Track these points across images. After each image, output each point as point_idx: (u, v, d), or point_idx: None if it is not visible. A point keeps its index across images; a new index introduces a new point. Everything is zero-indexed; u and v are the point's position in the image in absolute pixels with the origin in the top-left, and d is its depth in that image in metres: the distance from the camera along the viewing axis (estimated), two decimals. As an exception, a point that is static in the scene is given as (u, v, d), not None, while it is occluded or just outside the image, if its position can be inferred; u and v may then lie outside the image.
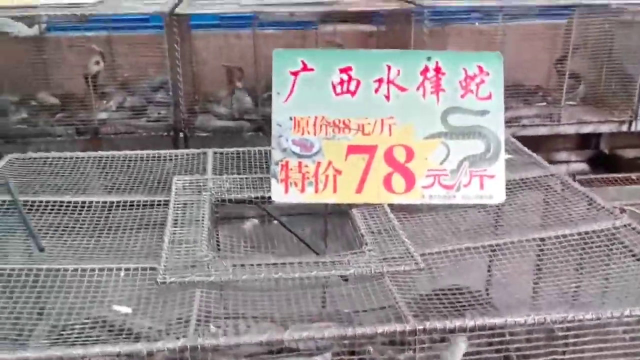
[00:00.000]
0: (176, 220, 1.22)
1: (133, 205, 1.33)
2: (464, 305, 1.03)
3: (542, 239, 1.17)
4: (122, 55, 2.81)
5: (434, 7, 2.42)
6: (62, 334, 0.97)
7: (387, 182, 1.29)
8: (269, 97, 2.70)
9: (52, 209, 1.29)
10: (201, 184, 1.39)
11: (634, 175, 2.78)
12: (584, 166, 3.16)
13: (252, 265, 1.08)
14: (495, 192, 1.29)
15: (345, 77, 1.31)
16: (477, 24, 3.08)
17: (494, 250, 1.17)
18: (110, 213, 1.31)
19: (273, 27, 2.93)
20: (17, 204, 1.23)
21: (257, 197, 1.37)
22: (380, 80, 1.31)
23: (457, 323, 0.90)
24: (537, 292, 1.20)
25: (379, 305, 1.01)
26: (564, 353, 0.95)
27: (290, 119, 1.31)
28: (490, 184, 1.29)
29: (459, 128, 1.31)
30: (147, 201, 1.35)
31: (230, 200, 1.36)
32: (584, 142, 3.16)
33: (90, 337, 0.96)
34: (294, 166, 1.29)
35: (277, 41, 3.03)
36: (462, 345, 0.94)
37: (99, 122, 2.45)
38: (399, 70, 1.31)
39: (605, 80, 2.95)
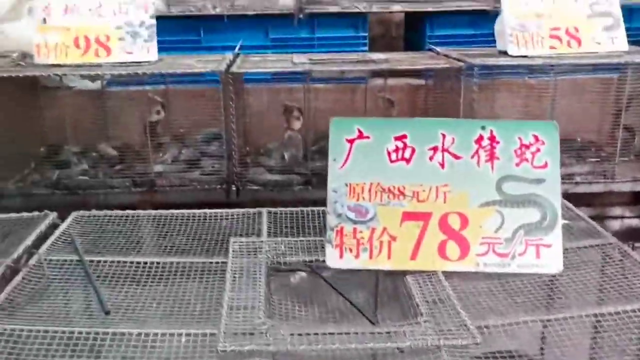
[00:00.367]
0: (234, 284, 1.26)
1: (192, 267, 1.38)
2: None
3: (601, 314, 1.15)
4: (177, 108, 2.92)
5: (484, 65, 2.43)
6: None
7: (442, 250, 1.29)
8: (318, 151, 2.77)
9: (116, 270, 1.34)
10: (257, 246, 1.43)
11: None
12: (638, 222, 3.08)
13: (308, 334, 1.09)
14: (551, 262, 1.27)
15: (400, 144, 1.34)
16: (526, 77, 3.09)
17: (550, 324, 1.15)
18: (170, 274, 1.35)
19: (324, 82, 3.01)
20: (84, 265, 1.28)
21: (311, 261, 1.40)
22: (434, 148, 1.33)
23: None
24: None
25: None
26: None
27: (346, 185, 1.34)
28: (546, 253, 1.28)
29: (514, 196, 1.31)
30: (205, 263, 1.38)
31: (285, 264, 1.39)
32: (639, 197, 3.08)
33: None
34: (349, 232, 1.31)
35: (327, 95, 3.11)
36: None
37: (155, 174, 2.53)
38: (453, 139, 1.33)
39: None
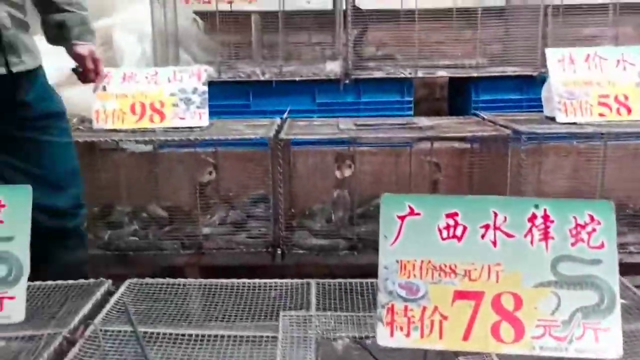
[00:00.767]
0: (284, 359, 1.26)
1: (242, 340, 1.38)
2: None
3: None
4: (226, 170, 2.99)
5: (532, 132, 2.43)
6: None
7: (495, 331, 1.27)
8: (364, 214, 2.78)
9: (168, 342, 1.36)
10: (306, 320, 1.43)
11: None
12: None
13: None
14: (610, 347, 1.24)
15: (451, 222, 1.34)
16: (575, 142, 3.06)
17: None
18: (222, 347, 1.36)
19: (369, 146, 3.05)
20: (138, 339, 1.31)
21: (361, 337, 1.39)
22: (486, 226, 1.32)
23: None
24: None
25: None
26: None
27: (397, 262, 1.34)
28: (604, 337, 1.24)
29: (570, 277, 1.29)
30: (255, 336, 1.39)
31: (335, 339, 1.38)
32: (697, 266, 2.96)
33: None
34: (400, 310, 1.30)
35: (372, 158, 3.14)
36: None
37: (203, 237, 2.58)
38: (505, 217, 1.32)
39: None
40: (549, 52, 2.63)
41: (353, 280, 1.67)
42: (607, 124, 2.51)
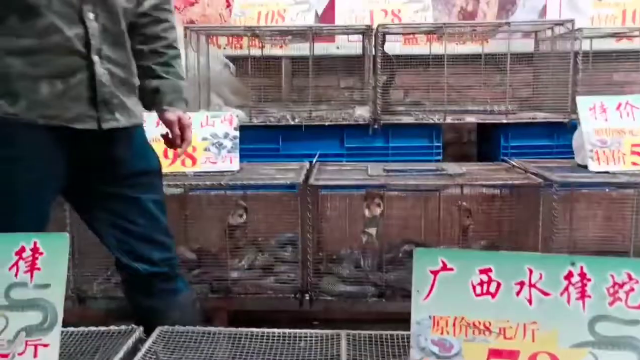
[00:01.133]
0: (315, 417, 1.24)
1: (271, 394, 1.37)
2: None
3: None
4: (255, 213, 3.01)
5: (564, 182, 2.41)
6: None
7: (532, 391, 1.24)
8: (392, 260, 2.76)
9: (198, 395, 1.35)
10: (337, 375, 1.41)
11: None
12: None
13: None
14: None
15: (485, 278, 1.32)
16: (607, 190, 3.02)
17: None
18: (250, 401, 1.35)
19: (398, 190, 3.04)
20: (169, 389, 1.30)
21: (392, 394, 1.36)
22: (521, 283, 1.30)
23: None
24: None
25: None
26: None
27: (430, 317, 1.32)
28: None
29: (608, 338, 1.26)
30: (285, 390, 1.38)
31: (365, 396, 1.36)
32: None
33: None
34: (433, 367, 1.28)
35: (400, 203, 3.13)
36: None
37: (231, 281, 2.58)
38: (541, 274, 1.30)
39: None
40: (580, 100, 2.63)
41: (384, 332, 1.65)
42: (640, 172, 2.48)
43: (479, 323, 1.30)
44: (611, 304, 1.28)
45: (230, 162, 2.69)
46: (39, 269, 1.43)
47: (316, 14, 3.83)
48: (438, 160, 3.24)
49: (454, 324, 1.31)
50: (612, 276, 1.29)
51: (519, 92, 3.61)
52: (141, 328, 1.63)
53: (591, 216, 3.02)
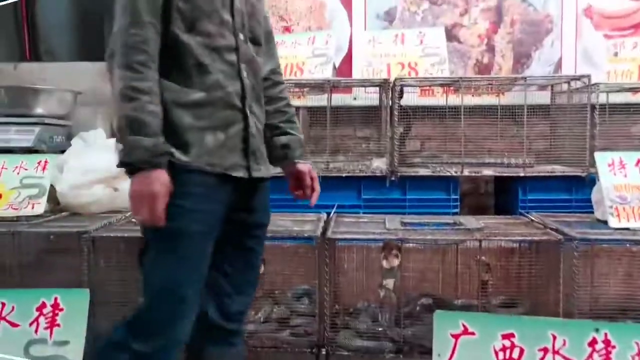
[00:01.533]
0: None
1: None
2: None
3: None
4: (271, 264, 2.99)
5: (584, 238, 2.39)
6: None
7: None
8: (409, 314, 2.72)
9: None
10: None
11: None
12: None
13: None
14: None
15: (507, 343, 1.30)
16: (627, 245, 2.98)
17: None
18: None
19: (415, 243, 3.02)
20: None
21: None
22: (545, 350, 1.28)
23: None
24: None
25: None
26: None
27: (451, 383, 1.30)
28: None
29: (636, 408, 1.22)
30: None
31: None
32: None
33: None
34: None
35: (417, 255, 3.10)
36: None
37: (247, 334, 2.56)
38: (564, 340, 1.28)
39: None
40: (599, 156, 2.62)
41: (403, 394, 1.62)
42: (662, 229, 2.45)
43: (501, 390, 1.27)
44: (638, 370, 1.24)
45: (247, 214, 2.69)
46: (58, 325, 1.44)
47: (334, 66, 3.89)
48: (455, 213, 3.23)
49: (476, 391, 1.28)
50: (637, 343, 1.26)
51: (535, 144, 3.60)
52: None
53: (612, 272, 2.97)
